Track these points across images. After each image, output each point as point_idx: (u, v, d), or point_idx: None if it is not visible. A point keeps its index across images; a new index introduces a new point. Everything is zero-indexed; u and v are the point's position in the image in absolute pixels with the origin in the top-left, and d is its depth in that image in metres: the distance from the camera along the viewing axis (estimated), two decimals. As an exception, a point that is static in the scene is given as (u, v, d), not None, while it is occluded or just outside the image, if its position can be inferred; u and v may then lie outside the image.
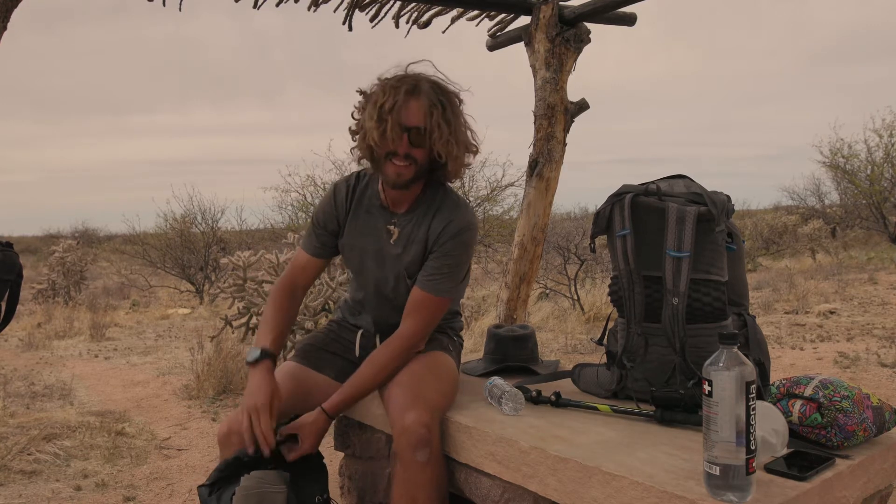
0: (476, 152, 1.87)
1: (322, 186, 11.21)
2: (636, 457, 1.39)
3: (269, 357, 1.80)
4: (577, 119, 3.58)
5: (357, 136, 1.84)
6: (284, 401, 1.78)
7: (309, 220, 2.27)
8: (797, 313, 7.17)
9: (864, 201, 15.53)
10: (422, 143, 1.75)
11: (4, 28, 2.39)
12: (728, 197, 1.70)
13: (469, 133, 1.84)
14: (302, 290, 2.02)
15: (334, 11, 3.45)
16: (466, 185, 10.57)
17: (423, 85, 1.75)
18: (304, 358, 1.96)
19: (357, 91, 1.85)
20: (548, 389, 1.85)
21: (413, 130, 1.74)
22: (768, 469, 1.31)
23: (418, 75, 1.79)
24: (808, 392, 1.46)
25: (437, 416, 1.69)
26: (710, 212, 1.62)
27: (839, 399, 1.43)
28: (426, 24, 3.69)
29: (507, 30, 3.91)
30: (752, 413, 1.17)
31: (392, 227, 1.89)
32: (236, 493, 1.62)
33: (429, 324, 1.87)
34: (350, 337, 2.05)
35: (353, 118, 1.86)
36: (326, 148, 21.97)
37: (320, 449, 1.81)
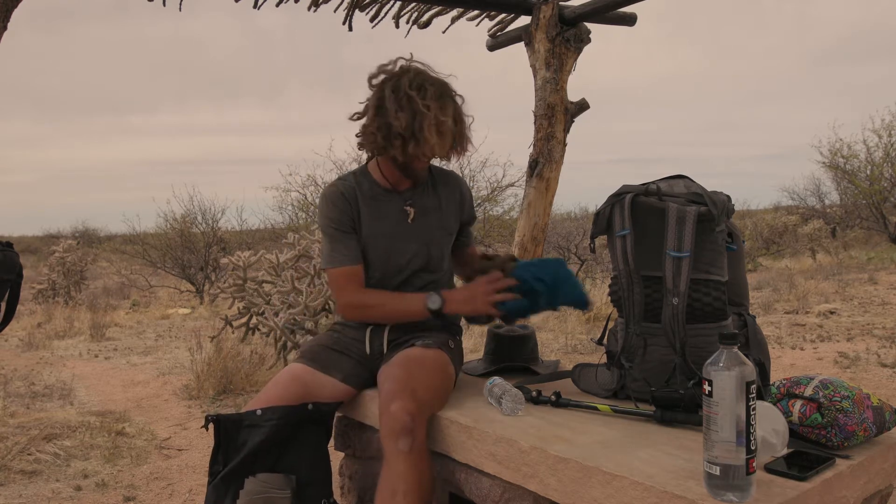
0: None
1: (323, 186, 11.21)
2: (636, 457, 1.39)
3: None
4: (577, 119, 3.59)
5: (380, 136, 1.85)
6: (290, 403, 1.79)
7: (317, 229, 2.39)
8: (797, 313, 7.17)
9: (864, 201, 15.52)
10: None
11: (5, 28, 2.40)
12: (728, 197, 1.70)
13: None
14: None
15: (334, 11, 3.46)
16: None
17: (447, 88, 1.89)
18: (310, 360, 1.93)
19: (370, 84, 1.89)
20: (548, 389, 1.85)
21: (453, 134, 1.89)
22: (768, 469, 1.31)
23: (437, 76, 1.90)
24: (808, 392, 1.46)
25: (424, 409, 1.68)
26: (710, 212, 1.62)
27: (839, 399, 1.43)
28: (426, 24, 3.69)
29: (507, 30, 3.91)
30: (752, 413, 1.17)
31: (408, 208, 2.00)
32: (240, 498, 1.61)
33: None
34: (357, 335, 2.01)
35: (364, 113, 1.89)
36: (327, 148, 22.04)
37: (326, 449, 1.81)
